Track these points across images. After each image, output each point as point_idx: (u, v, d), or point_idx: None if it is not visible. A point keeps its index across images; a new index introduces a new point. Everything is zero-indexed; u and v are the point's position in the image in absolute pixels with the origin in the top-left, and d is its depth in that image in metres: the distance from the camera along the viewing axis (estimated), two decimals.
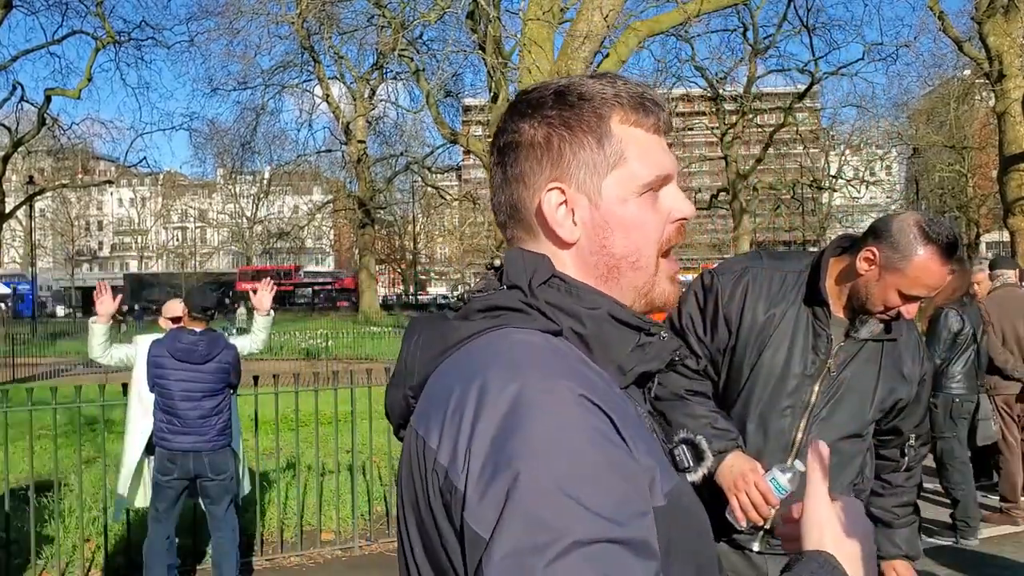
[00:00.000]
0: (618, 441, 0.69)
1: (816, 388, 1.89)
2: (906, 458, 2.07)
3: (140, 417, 4.39)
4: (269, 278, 5.18)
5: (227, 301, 40.00)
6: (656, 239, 0.85)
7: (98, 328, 4.48)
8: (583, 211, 0.83)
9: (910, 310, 1.83)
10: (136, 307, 35.96)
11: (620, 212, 0.83)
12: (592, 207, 0.83)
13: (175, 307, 4.51)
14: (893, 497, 2.09)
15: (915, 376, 1.96)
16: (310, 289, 50.43)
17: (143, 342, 4.37)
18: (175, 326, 4.32)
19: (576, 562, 0.59)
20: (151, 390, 4.11)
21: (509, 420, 0.66)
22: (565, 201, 0.83)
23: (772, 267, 1.96)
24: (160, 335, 4.33)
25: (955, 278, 5.09)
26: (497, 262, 0.88)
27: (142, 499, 4.44)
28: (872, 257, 1.82)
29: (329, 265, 63.43)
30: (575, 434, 0.66)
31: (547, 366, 0.72)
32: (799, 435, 1.88)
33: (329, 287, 50.42)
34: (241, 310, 32.56)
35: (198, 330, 4.11)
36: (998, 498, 5.65)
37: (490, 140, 0.87)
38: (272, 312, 4.90)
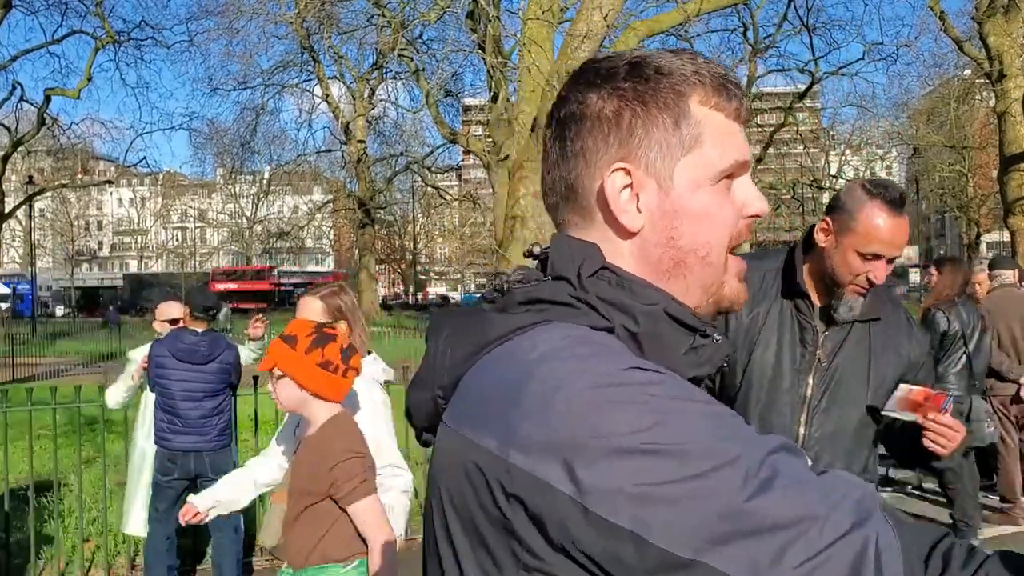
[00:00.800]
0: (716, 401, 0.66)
1: (810, 381, 1.90)
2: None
3: (143, 440, 4.35)
4: (262, 315, 5.20)
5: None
6: (728, 233, 0.77)
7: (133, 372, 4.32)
8: (650, 197, 0.75)
9: (877, 274, 1.83)
10: (111, 308, 35.76)
11: (692, 200, 0.75)
12: (661, 193, 0.75)
13: (170, 309, 4.41)
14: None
15: (913, 355, 1.96)
16: (289, 288, 49.11)
17: (140, 356, 4.31)
18: (174, 327, 4.31)
19: (769, 484, 0.59)
20: (151, 390, 4.11)
21: (604, 409, 0.61)
22: (631, 184, 0.75)
23: (751, 267, 1.97)
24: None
25: (945, 277, 5.08)
26: (537, 250, 0.81)
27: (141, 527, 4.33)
28: (826, 226, 1.88)
29: (329, 265, 63.45)
30: (684, 404, 0.63)
31: (614, 357, 0.66)
32: (801, 429, 1.89)
33: (303, 288, 49.64)
34: (225, 310, 32.56)
35: (200, 330, 4.11)
36: (998, 498, 5.65)
37: (549, 112, 0.84)
38: (265, 338, 4.87)
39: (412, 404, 0.79)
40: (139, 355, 4.32)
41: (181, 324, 4.28)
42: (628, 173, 0.75)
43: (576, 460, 0.59)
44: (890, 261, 1.85)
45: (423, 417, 0.78)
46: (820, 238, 1.88)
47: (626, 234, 0.76)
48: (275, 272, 50.23)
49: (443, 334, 0.77)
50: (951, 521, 5.13)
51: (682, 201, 0.75)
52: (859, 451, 1.92)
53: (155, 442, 4.10)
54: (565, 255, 0.75)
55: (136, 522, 4.33)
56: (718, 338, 0.77)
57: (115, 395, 4.43)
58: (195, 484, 4.15)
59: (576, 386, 0.62)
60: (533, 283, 0.75)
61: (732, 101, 0.77)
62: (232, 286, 44.17)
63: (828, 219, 1.88)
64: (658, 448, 0.59)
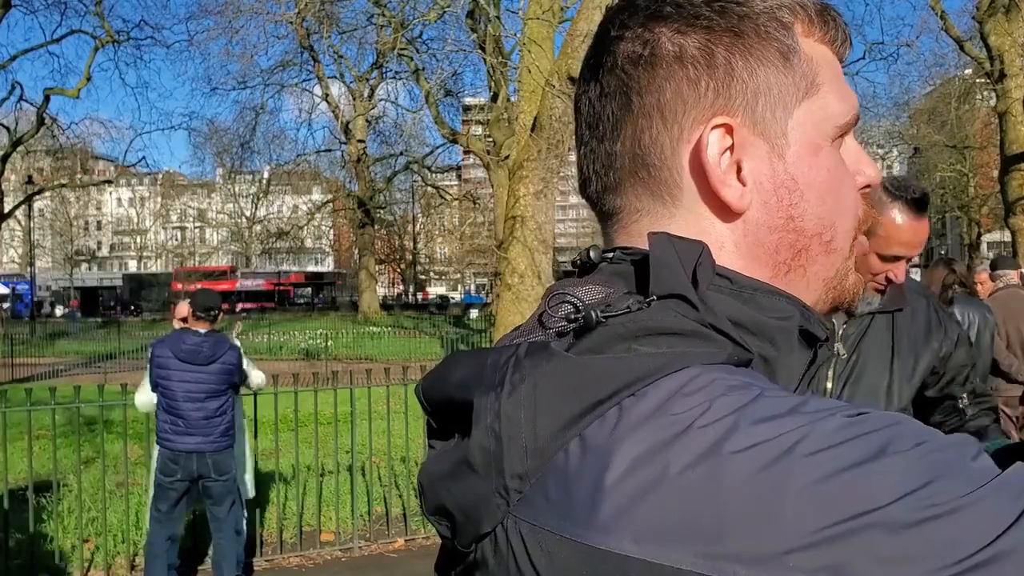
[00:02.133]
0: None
1: (829, 373, 1.89)
2: (965, 413, 2.01)
3: None
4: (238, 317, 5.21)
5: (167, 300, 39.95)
6: (854, 207, 0.59)
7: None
8: (759, 163, 0.55)
9: (897, 273, 1.82)
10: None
11: (813, 166, 0.56)
12: (774, 156, 0.56)
13: (182, 308, 4.52)
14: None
15: (943, 340, 1.94)
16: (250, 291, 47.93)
17: None
18: (180, 327, 4.32)
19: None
20: (153, 390, 4.10)
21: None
22: (731, 147, 0.55)
23: None
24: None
25: (926, 277, 5.06)
26: (594, 254, 0.59)
27: None
28: None
29: (329, 265, 63.45)
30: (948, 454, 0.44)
31: (809, 405, 0.46)
32: None
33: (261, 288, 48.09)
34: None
35: (202, 331, 4.10)
36: None
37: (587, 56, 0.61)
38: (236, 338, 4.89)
39: (453, 501, 0.52)
40: None
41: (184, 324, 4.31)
42: (730, 131, 0.55)
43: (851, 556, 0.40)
44: (909, 259, 1.84)
45: (480, 521, 0.50)
46: None
47: (730, 215, 0.56)
48: (237, 273, 49.79)
49: (500, 391, 0.50)
50: None
51: (800, 167, 0.56)
52: None
53: (157, 442, 4.09)
54: (671, 261, 0.53)
55: None
56: (830, 349, 0.60)
57: (144, 398, 4.36)
58: (196, 485, 4.15)
59: (805, 451, 0.43)
60: (633, 308, 0.51)
61: (839, 33, 0.60)
62: (195, 286, 43.45)
63: None
64: (950, 508, 0.41)
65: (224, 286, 45.64)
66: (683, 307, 0.51)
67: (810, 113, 0.57)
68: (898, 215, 1.78)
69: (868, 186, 0.61)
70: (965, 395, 2.03)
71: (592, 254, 0.59)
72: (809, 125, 0.57)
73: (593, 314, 0.51)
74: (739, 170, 0.55)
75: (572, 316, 0.53)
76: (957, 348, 1.99)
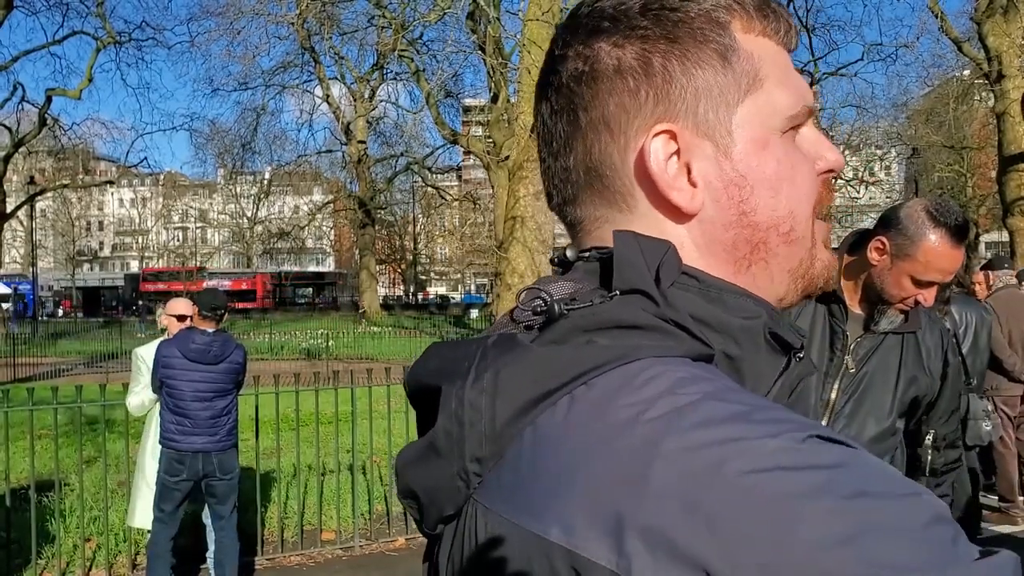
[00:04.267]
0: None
1: (836, 386, 1.88)
2: (928, 457, 2.00)
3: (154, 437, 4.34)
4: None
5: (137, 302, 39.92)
6: (810, 194, 0.59)
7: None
8: (707, 164, 0.56)
9: (927, 297, 1.81)
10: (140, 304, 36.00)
11: (761, 160, 0.57)
12: (720, 155, 0.56)
13: (179, 305, 4.47)
14: None
15: (937, 370, 1.93)
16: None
17: (147, 355, 4.31)
18: (183, 325, 4.32)
19: None
20: (158, 390, 4.10)
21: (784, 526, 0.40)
22: (677, 151, 0.56)
23: None
24: (162, 338, 4.35)
25: None
26: (571, 253, 0.60)
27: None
28: (882, 247, 1.82)
29: (329, 265, 63.45)
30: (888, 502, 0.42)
31: (760, 413, 0.45)
32: None
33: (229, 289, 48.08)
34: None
35: (210, 331, 4.12)
36: (997, 498, 5.66)
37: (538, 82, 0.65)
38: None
39: (423, 485, 0.55)
40: (146, 353, 4.34)
41: (189, 323, 4.31)
42: (673, 136, 0.56)
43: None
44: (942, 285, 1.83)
45: (443, 500, 0.53)
46: (873, 257, 1.84)
47: (682, 217, 0.57)
48: (204, 273, 49.34)
49: (466, 380, 0.52)
50: None
51: (749, 163, 0.57)
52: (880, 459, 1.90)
53: (161, 443, 4.09)
54: (635, 259, 0.54)
55: (142, 516, 4.34)
56: (801, 356, 0.59)
57: (138, 400, 4.33)
58: (199, 484, 4.16)
59: (735, 469, 0.42)
60: (596, 302, 0.53)
61: (781, 23, 0.59)
62: (161, 286, 42.46)
63: (884, 239, 1.82)
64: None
65: (194, 287, 45.27)
66: (644, 302, 0.52)
67: (755, 108, 0.57)
68: (939, 242, 1.76)
69: (831, 171, 0.61)
70: (931, 435, 1.99)
71: (569, 253, 0.60)
72: (755, 120, 0.57)
73: (557, 307, 0.53)
74: (689, 172, 0.56)
75: (539, 309, 0.55)
76: (947, 378, 1.96)
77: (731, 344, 0.54)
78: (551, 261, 0.63)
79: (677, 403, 0.45)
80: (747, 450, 0.42)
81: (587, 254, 0.59)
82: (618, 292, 0.53)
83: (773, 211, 0.57)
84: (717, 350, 0.53)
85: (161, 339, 4.31)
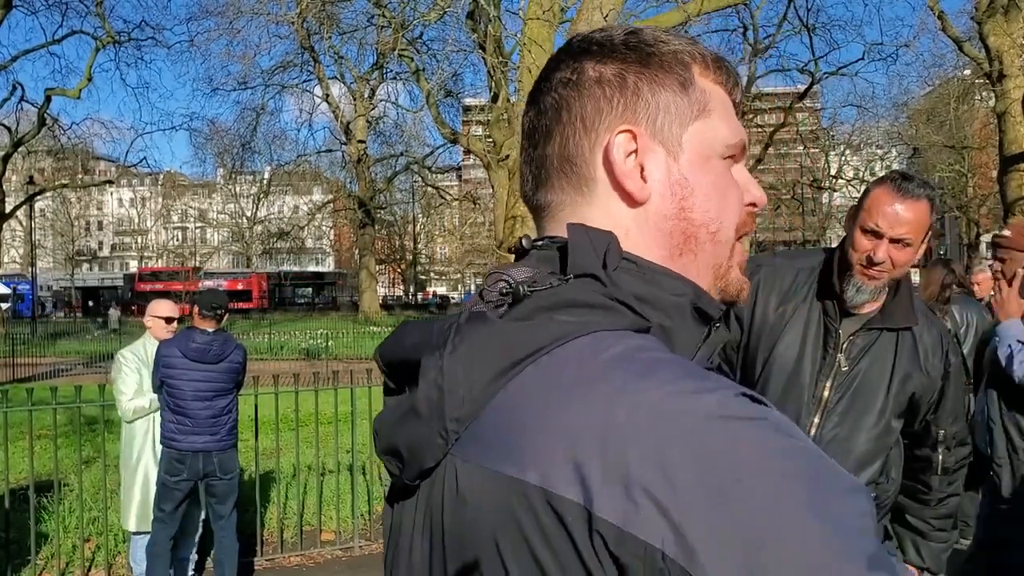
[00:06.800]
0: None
1: (828, 383, 1.88)
2: (939, 456, 2.00)
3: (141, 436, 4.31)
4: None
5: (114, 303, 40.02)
6: (736, 212, 0.72)
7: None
8: (657, 164, 0.69)
9: (878, 252, 1.79)
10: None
11: (702, 171, 0.69)
12: (670, 160, 0.69)
13: (163, 307, 4.40)
14: (931, 508, 2.04)
15: (936, 369, 1.92)
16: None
17: (131, 359, 4.25)
18: (170, 327, 4.31)
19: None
20: (157, 390, 4.08)
21: (717, 459, 0.50)
22: (636, 151, 0.68)
23: (784, 265, 1.99)
24: (144, 340, 4.33)
25: (923, 277, 5.06)
26: (526, 242, 0.71)
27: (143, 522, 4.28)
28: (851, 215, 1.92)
29: (329, 265, 63.46)
30: (793, 452, 0.52)
31: (694, 375, 0.56)
32: (812, 431, 1.87)
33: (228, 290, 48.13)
34: (113, 311, 32.67)
35: (210, 330, 4.11)
36: None
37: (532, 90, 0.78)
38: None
39: (406, 442, 0.63)
40: (130, 354, 4.28)
41: (176, 325, 4.30)
42: (634, 137, 0.68)
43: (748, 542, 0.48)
44: (901, 247, 1.80)
45: (423, 456, 0.62)
46: (847, 226, 1.92)
47: (633, 203, 0.69)
48: (200, 273, 49.32)
49: (444, 351, 0.62)
50: None
51: (692, 171, 0.69)
52: (872, 458, 1.89)
53: (161, 443, 4.08)
54: (585, 247, 0.65)
55: (137, 519, 4.31)
56: (718, 325, 0.71)
57: (136, 403, 4.21)
58: (199, 485, 4.15)
59: (681, 414, 0.52)
60: (555, 284, 0.63)
61: (729, 80, 0.74)
62: (158, 287, 41.99)
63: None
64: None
65: (190, 287, 45.23)
66: (595, 284, 0.63)
67: (702, 130, 0.70)
68: (882, 190, 1.81)
69: (753, 204, 0.74)
70: (942, 433, 1.98)
71: (524, 242, 0.71)
72: (701, 140, 0.70)
73: (521, 289, 0.64)
74: (642, 169, 0.69)
75: (505, 291, 0.65)
76: (950, 377, 1.94)
77: (664, 317, 0.65)
78: (509, 249, 0.72)
79: (632, 366, 0.56)
80: (693, 401, 0.53)
81: (541, 243, 0.70)
82: (572, 276, 0.64)
83: (706, 212, 0.69)
84: (654, 323, 0.63)
85: (142, 340, 4.31)
